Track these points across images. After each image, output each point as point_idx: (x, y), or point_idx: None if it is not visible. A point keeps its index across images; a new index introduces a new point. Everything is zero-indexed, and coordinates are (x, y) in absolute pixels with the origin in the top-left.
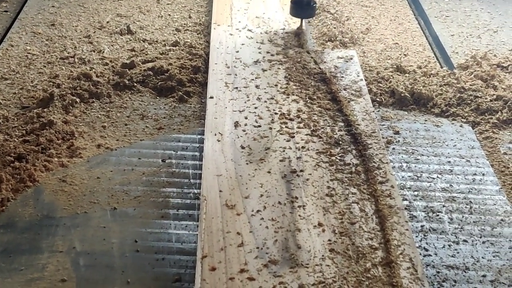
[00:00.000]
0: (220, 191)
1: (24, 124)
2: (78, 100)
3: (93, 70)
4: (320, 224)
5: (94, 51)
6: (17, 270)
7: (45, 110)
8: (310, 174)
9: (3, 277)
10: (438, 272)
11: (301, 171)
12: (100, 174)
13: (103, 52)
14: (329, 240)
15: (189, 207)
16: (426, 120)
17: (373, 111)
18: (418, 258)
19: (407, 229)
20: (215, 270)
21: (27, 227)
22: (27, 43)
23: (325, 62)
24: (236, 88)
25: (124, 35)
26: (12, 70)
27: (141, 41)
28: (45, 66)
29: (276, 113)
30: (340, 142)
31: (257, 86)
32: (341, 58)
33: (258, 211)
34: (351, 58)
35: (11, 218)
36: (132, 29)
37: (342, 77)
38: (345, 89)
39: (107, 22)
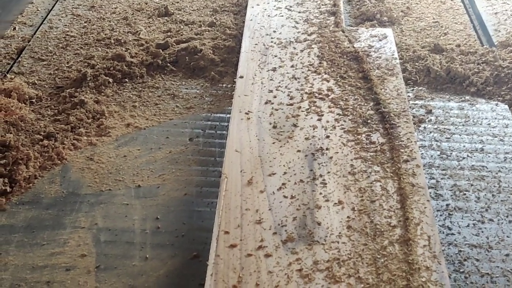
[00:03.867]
0: (242, 168)
1: (56, 104)
2: (110, 80)
3: (128, 51)
4: (340, 202)
5: (130, 33)
6: (39, 245)
7: (77, 90)
8: (336, 152)
9: (25, 252)
10: (460, 251)
11: (327, 149)
12: (127, 153)
13: (139, 33)
14: (348, 217)
15: (213, 184)
16: (460, 99)
17: (405, 90)
18: (436, 236)
19: (427, 208)
20: (231, 246)
21: (51, 204)
22: (66, 25)
23: (359, 41)
24: (268, 67)
25: (161, 17)
26: (49, 51)
27: (178, 22)
28: (81, 48)
29: (306, 92)
30: (369, 121)
31: (290, 66)
32: (375, 36)
33: (279, 188)
34: (386, 37)
35: (37, 195)
36: (170, 10)
37: (376, 56)
38: (378, 68)
39: (146, 3)
